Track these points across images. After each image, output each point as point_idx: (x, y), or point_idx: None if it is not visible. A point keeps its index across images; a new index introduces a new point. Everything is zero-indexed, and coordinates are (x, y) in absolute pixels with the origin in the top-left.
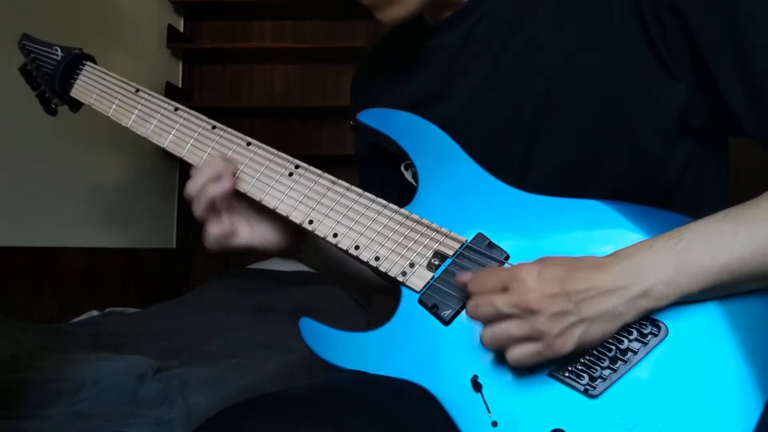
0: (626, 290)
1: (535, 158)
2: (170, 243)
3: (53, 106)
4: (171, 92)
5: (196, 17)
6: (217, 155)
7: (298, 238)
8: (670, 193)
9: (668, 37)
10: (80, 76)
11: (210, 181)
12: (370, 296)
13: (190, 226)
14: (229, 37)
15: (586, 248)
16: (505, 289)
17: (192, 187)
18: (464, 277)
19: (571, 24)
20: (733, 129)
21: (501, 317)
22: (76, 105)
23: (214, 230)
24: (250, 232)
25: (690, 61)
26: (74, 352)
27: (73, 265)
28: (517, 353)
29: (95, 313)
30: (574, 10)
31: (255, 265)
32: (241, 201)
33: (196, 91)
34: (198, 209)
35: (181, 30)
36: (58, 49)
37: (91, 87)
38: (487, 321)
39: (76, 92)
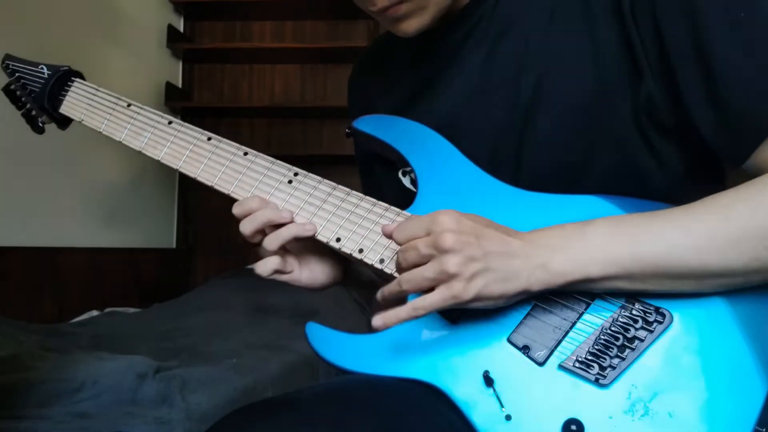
0: (528, 259)
1: (527, 157)
2: (170, 243)
3: (41, 124)
4: (171, 92)
5: (196, 17)
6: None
7: (343, 275)
8: (663, 189)
9: (642, 35)
10: (69, 93)
11: (287, 222)
12: (370, 297)
13: (190, 226)
14: (229, 37)
15: None
16: (428, 235)
17: (264, 218)
18: (389, 227)
19: (558, 26)
20: (691, 132)
21: (423, 260)
22: (65, 122)
23: (274, 263)
24: (299, 273)
25: (658, 60)
26: (74, 352)
27: (73, 265)
28: (426, 300)
29: (95, 313)
30: (560, 12)
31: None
32: (297, 242)
33: (196, 91)
34: (272, 244)
35: (181, 30)
36: (44, 67)
37: (80, 103)
38: (413, 266)
39: (65, 109)
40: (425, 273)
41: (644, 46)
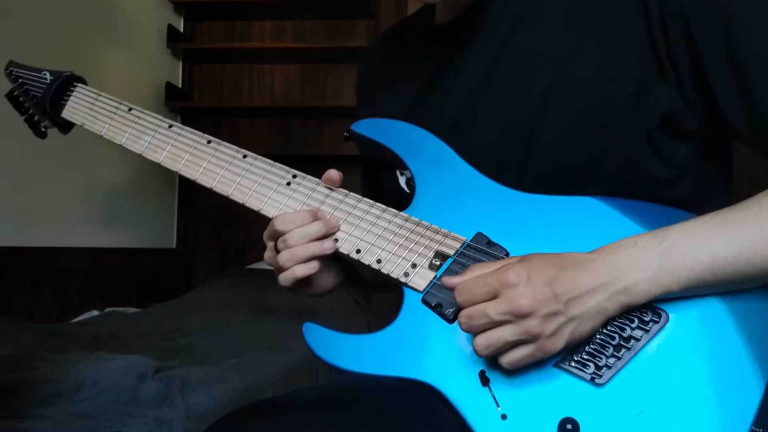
0: (608, 286)
1: (534, 159)
2: (170, 243)
3: (43, 129)
4: (171, 92)
5: (196, 17)
6: (308, 211)
7: (344, 278)
8: (670, 194)
9: (671, 41)
10: (71, 98)
11: (312, 240)
12: (370, 297)
13: (190, 226)
14: (229, 37)
15: (583, 244)
16: (494, 296)
17: (293, 240)
18: (451, 281)
19: (571, 26)
20: (729, 133)
21: (494, 325)
22: (66, 126)
23: (301, 272)
24: (315, 284)
25: (689, 66)
26: (74, 352)
27: (73, 265)
28: (511, 357)
29: (95, 313)
30: (575, 13)
31: (255, 265)
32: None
33: (196, 91)
34: (287, 262)
35: (181, 30)
36: (47, 73)
37: (82, 108)
38: (482, 330)
39: (67, 113)
40: (506, 337)
41: (672, 52)
